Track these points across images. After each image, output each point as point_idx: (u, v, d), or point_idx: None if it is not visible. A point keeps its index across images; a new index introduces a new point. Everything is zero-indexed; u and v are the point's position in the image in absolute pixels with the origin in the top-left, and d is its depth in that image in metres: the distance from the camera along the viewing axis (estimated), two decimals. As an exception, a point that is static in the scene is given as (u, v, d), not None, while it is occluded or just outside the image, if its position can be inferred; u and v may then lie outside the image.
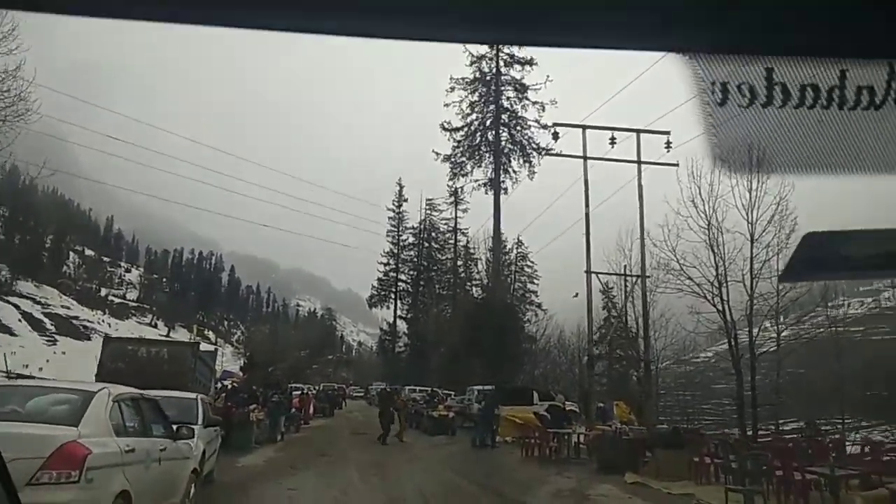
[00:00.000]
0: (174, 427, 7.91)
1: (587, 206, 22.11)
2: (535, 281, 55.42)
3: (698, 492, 12.11)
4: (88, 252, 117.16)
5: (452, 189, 48.60)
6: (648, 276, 21.59)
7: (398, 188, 69.87)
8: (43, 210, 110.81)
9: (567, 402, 28.35)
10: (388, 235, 69.90)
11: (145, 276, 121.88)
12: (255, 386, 32.03)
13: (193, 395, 11.57)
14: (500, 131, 44.32)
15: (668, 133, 21.71)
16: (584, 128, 21.76)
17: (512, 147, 44.48)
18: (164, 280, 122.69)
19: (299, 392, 35.64)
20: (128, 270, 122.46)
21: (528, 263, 55.71)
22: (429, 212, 67.76)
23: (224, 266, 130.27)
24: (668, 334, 32.49)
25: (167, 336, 72.10)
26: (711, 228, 27.23)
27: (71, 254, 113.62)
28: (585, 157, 21.28)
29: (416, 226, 68.84)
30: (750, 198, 27.36)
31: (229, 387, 25.40)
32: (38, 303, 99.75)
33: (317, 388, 47.18)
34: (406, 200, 69.23)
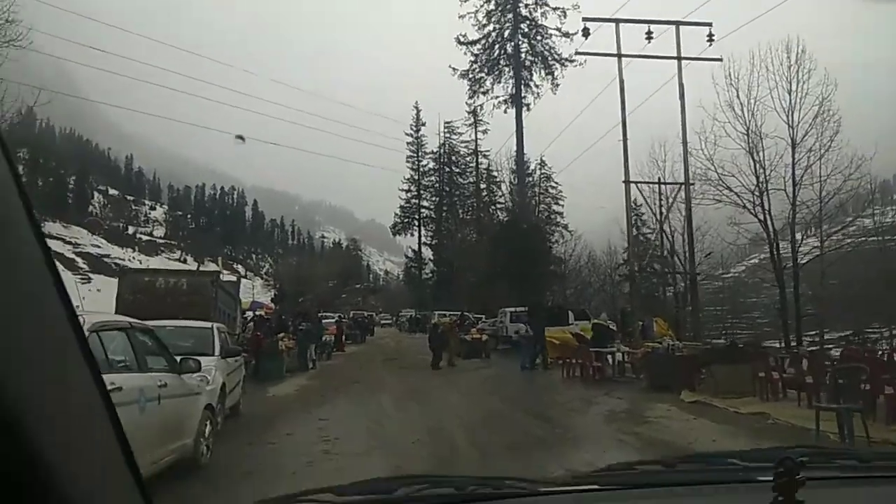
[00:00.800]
0: (178, 359, 6.75)
1: (623, 109, 20.32)
2: (560, 202, 53.66)
3: (769, 409, 10.93)
4: (112, 191, 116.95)
5: (472, 108, 46.31)
6: (691, 184, 19.91)
7: (415, 112, 67.56)
8: (62, 151, 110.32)
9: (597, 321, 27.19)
10: (407, 161, 68.10)
11: (170, 213, 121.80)
12: (288, 315, 31.45)
13: (209, 324, 10.50)
14: (520, 42, 41.78)
15: (709, 24, 19.56)
16: (617, 21, 19.64)
17: (533, 59, 41.98)
18: (189, 216, 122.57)
19: (333, 320, 35.06)
20: (152, 208, 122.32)
21: (553, 184, 53.83)
22: (448, 135, 65.68)
23: (247, 200, 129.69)
24: (703, 248, 31.01)
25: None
26: (751, 134, 25.25)
27: (95, 193, 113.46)
28: (620, 55, 19.31)
29: (435, 150, 66.87)
30: (790, 100, 25.21)
31: (258, 317, 24.66)
32: (69, 243, 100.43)
33: (346, 316, 46.80)
34: (424, 124, 67.07)
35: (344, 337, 31.87)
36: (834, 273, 32.05)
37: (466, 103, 44.43)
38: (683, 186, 19.90)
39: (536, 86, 42.14)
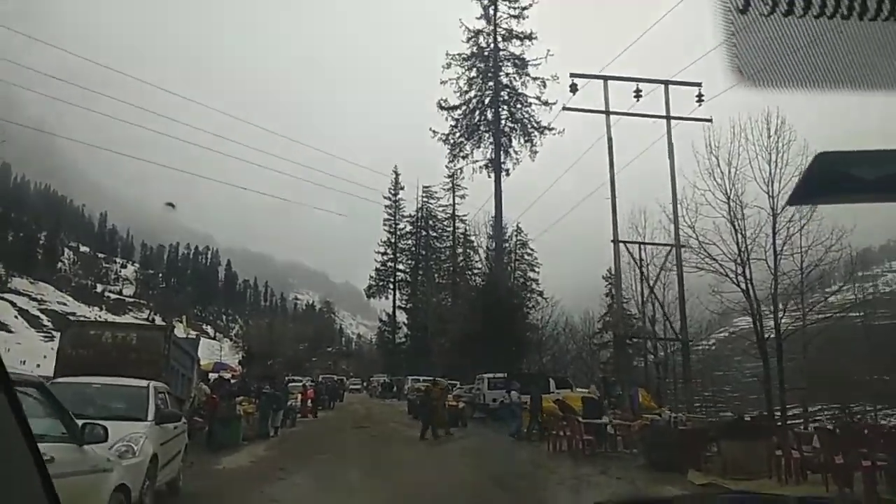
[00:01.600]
0: (82, 425, 5.05)
1: (612, 167, 19.29)
2: (536, 269, 52.59)
3: (792, 493, 9.34)
4: (83, 248, 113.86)
5: (451, 171, 45.54)
6: (682, 246, 18.77)
7: (394, 175, 66.96)
8: (36, 207, 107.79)
9: (581, 390, 25.56)
10: (384, 224, 67.02)
11: (141, 271, 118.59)
12: (253, 378, 29.27)
13: (144, 383, 8.71)
14: (500, 109, 41.38)
15: (699, 85, 18.89)
16: (605, 78, 18.87)
17: (512, 126, 41.54)
18: (161, 275, 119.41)
19: (300, 384, 32.86)
20: (123, 266, 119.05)
21: (529, 251, 52.89)
22: (426, 199, 64.99)
23: (220, 260, 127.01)
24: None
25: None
26: (731, 203, 24.61)
27: (65, 250, 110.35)
28: (608, 112, 18.45)
29: (413, 214, 65.97)
30: (770, 170, 24.76)
31: (218, 379, 22.59)
32: (34, 299, 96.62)
33: (315, 379, 44.38)
34: (402, 188, 66.38)
35: (311, 402, 29.63)
36: (817, 346, 31.06)
37: (446, 167, 43.75)
38: (674, 248, 18.75)
39: (515, 152, 41.61)
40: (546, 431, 17.04)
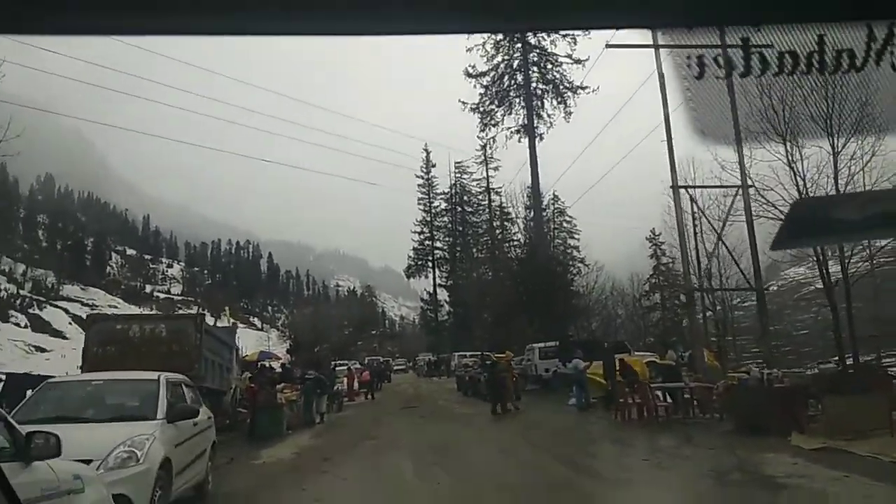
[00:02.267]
0: (27, 436, 3.65)
1: (665, 105, 17.30)
2: (576, 236, 50.64)
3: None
4: (130, 251, 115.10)
5: (483, 142, 43.49)
6: (750, 186, 16.76)
7: (425, 153, 65.31)
8: (81, 215, 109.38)
9: (640, 354, 23.77)
10: (419, 203, 65.54)
11: (187, 269, 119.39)
12: (300, 365, 28.24)
13: (154, 376, 7.35)
14: (530, 71, 39.31)
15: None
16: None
17: (544, 87, 39.45)
18: (206, 272, 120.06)
19: (346, 367, 31.84)
20: (169, 266, 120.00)
21: (567, 218, 50.93)
22: (459, 175, 63.31)
23: (262, 253, 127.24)
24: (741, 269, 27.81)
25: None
26: (788, 144, 22.45)
27: (113, 254, 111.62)
28: (657, 46, 16.44)
29: (447, 191, 64.34)
30: (828, 106, 22.53)
31: (260, 368, 21.47)
32: (86, 304, 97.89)
33: (361, 362, 43.42)
34: (434, 166, 64.74)
35: (358, 385, 28.52)
36: (887, 290, 28.71)
37: (478, 137, 41.82)
38: (740, 190, 16.74)
39: (549, 115, 39.55)
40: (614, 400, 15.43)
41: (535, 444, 11.53)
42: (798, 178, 22.56)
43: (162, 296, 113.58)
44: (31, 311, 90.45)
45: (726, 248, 18.77)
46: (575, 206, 47.55)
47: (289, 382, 18.95)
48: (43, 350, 79.28)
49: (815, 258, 23.53)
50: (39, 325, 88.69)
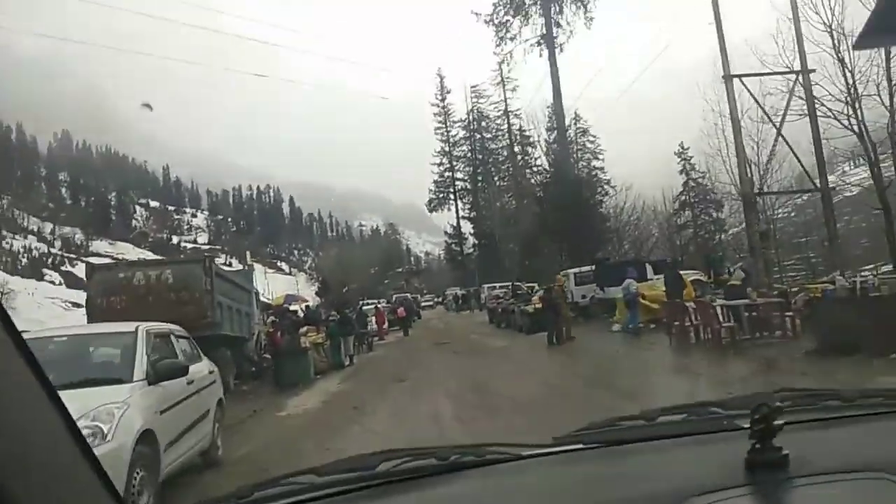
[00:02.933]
0: None
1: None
2: (600, 157, 48.09)
3: None
4: (153, 203, 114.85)
5: (500, 58, 40.54)
6: (811, 71, 14.63)
7: (439, 79, 62.48)
8: (101, 170, 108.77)
9: (690, 271, 22.09)
10: (436, 132, 63.12)
11: (211, 217, 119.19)
12: (328, 306, 27.20)
13: (131, 327, 5.95)
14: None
15: None
16: None
17: (563, -10, 36.47)
18: (230, 220, 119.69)
19: (373, 306, 30.83)
20: (194, 216, 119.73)
21: (590, 139, 48.31)
22: (475, 100, 60.56)
23: (283, 197, 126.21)
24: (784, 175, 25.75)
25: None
26: (835, 33, 19.97)
27: (137, 207, 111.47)
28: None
29: (464, 118, 61.75)
30: None
31: (282, 311, 20.34)
32: (116, 259, 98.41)
33: (389, 300, 42.49)
34: (450, 91, 61.99)
35: (387, 324, 27.50)
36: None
37: (493, 53, 39.03)
38: (801, 76, 14.66)
39: (568, 22, 36.71)
40: (655, 322, 14.02)
41: (589, 377, 10.13)
42: (846, 71, 20.38)
43: (189, 246, 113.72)
44: (63, 268, 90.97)
45: (787, 143, 16.70)
46: (598, 124, 44.99)
47: (313, 325, 17.77)
48: (80, 306, 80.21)
49: (866, 158, 21.57)
50: (73, 282, 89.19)
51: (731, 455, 1.13)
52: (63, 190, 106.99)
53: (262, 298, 19.01)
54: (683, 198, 47.79)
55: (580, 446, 1.40)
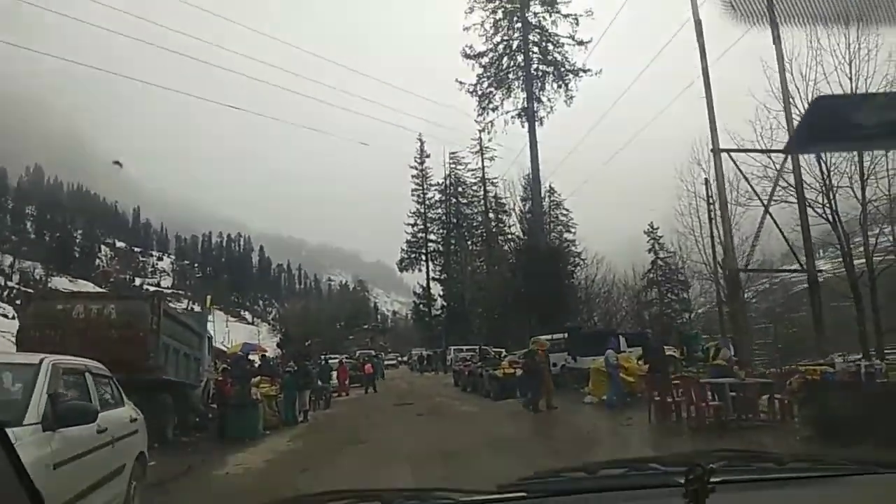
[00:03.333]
0: None
1: (704, 58, 14.91)
2: (572, 229, 47.84)
3: None
4: (119, 244, 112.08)
5: (481, 127, 40.73)
6: (800, 152, 14.42)
7: (419, 143, 62.72)
8: (70, 207, 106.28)
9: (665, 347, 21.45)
10: (413, 194, 62.88)
11: (177, 262, 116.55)
12: (289, 358, 25.84)
13: (34, 359, 4.85)
14: (531, 52, 36.93)
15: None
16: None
17: (545, 69, 37.05)
18: (196, 265, 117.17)
19: (336, 361, 29.46)
20: (160, 259, 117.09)
21: (563, 211, 48.28)
22: (453, 165, 60.77)
23: (253, 246, 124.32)
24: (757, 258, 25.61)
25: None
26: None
27: (102, 247, 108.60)
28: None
29: (441, 182, 61.76)
30: (852, 85, 20.24)
31: (236, 359, 18.95)
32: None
33: (352, 357, 40.89)
34: (429, 156, 62.11)
35: (348, 381, 26.10)
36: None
37: (475, 120, 39.24)
38: (792, 157, 14.46)
39: (549, 99, 37.16)
40: (638, 395, 13.14)
41: (567, 452, 9.09)
42: (820, 162, 20.50)
43: (151, 288, 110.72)
44: (18, 302, 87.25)
45: (775, 222, 16.35)
46: (572, 198, 45.13)
47: (268, 376, 16.47)
48: (29, 342, 76.47)
49: (838, 246, 21.53)
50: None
51: None
52: (28, 224, 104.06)
53: (216, 345, 17.69)
54: (651, 275, 47.83)
55: (523, 494, 1.40)
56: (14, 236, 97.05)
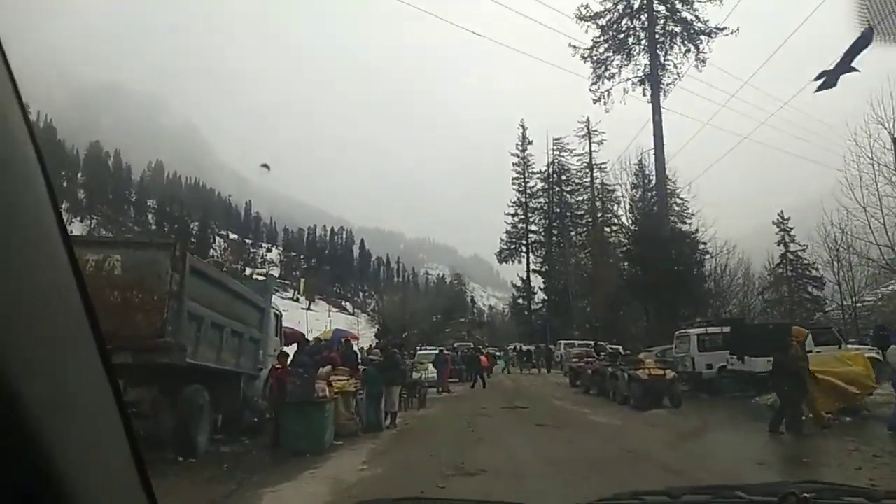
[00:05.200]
0: None
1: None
2: (688, 220, 41.03)
3: None
4: (232, 235, 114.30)
5: (596, 96, 34.65)
6: None
7: (521, 130, 57.89)
8: (187, 200, 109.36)
9: (861, 346, 15.81)
10: (513, 183, 58.12)
11: (284, 254, 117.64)
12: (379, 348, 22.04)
13: None
14: (655, 10, 31.32)
15: None
16: None
17: (673, 27, 31.31)
18: (302, 257, 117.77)
19: (435, 352, 25.45)
20: (269, 250, 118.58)
21: (678, 200, 41.67)
22: (557, 152, 55.56)
23: (354, 240, 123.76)
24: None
25: (307, 308, 64.10)
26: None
27: (216, 237, 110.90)
28: None
29: (543, 170, 56.67)
30: None
31: (303, 342, 15.10)
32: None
33: (450, 349, 36.62)
34: (531, 143, 57.14)
35: (448, 375, 21.86)
36: None
37: (590, 89, 33.71)
38: None
39: (675, 65, 31.39)
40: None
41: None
42: None
43: (260, 278, 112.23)
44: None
45: None
46: (699, 180, 38.77)
47: (348, 366, 12.44)
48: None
49: None
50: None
51: None
52: (150, 216, 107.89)
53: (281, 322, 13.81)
54: (779, 271, 40.89)
55: None
56: (137, 227, 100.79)
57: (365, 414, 11.09)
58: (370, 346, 25.21)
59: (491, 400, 17.04)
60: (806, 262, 38.59)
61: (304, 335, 16.28)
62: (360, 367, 12.78)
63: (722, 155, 44.78)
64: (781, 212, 42.50)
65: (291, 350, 16.27)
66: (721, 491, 1.47)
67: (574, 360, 23.19)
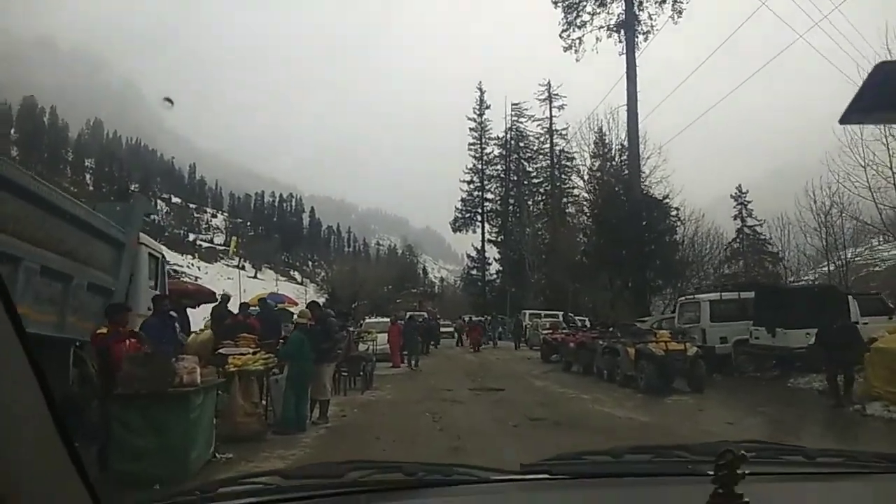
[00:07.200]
0: None
1: None
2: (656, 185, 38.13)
3: None
4: (175, 199, 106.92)
5: (567, 43, 30.62)
6: None
7: (478, 93, 54.00)
8: (128, 161, 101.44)
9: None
10: (469, 149, 54.31)
11: (230, 220, 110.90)
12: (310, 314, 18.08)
13: None
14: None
15: None
16: None
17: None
18: (248, 224, 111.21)
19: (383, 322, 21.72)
20: (214, 216, 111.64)
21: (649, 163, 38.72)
22: (515, 118, 51.94)
23: (304, 208, 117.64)
24: None
25: (239, 267, 59.01)
26: None
27: (158, 201, 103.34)
28: None
29: (500, 136, 53.03)
30: None
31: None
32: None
33: (401, 318, 32.58)
34: (489, 107, 53.37)
35: (401, 346, 18.03)
36: None
37: (560, 36, 29.93)
38: None
39: (650, 15, 27.97)
40: None
41: None
42: None
43: (205, 244, 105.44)
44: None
45: None
46: (674, 143, 35.51)
47: (269, 336, 8.48)
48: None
49: None
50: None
51: (693, 499, 1.03)
52: (87, 175, 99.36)
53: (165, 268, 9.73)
54: (735, 245, 38.56)
55: (547, 476, 1.32)
56: (73, 187, 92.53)
57: (281, 404, 7.19)
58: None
59: (454, 379, 13.33)
60: (763, 237, 36.49)
61: (213, 293, 12.24)
62: (283, 339, 8.84)
63: (702, 112, 41.92)
64: (739, 185, 40.21)
65: (199, 315, 12.20)
66: (662, 451, 1.44)
67: (547, 331, 19.72)
